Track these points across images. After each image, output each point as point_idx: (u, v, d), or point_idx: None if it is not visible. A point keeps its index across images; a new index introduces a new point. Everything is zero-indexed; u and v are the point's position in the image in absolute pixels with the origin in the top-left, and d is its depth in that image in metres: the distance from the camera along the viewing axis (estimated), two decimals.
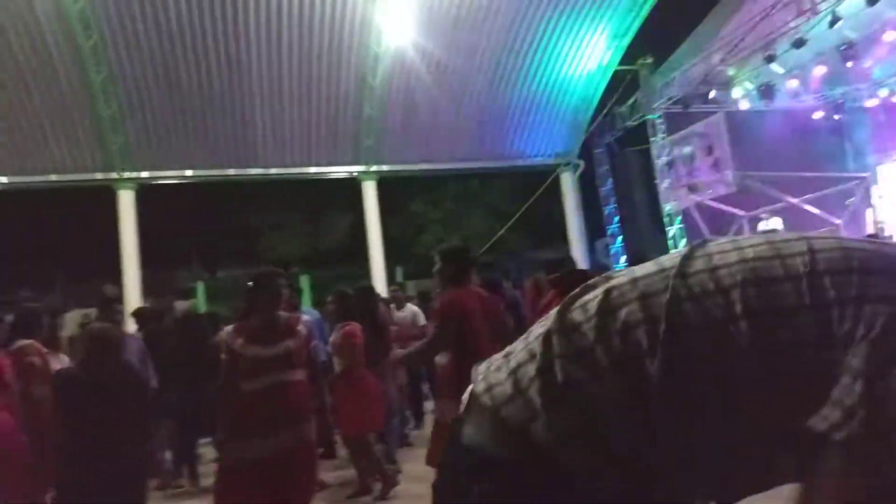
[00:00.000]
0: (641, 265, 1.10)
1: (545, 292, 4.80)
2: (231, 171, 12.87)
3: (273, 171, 13.09)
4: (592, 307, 1.04)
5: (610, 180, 15.19)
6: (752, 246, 1.02)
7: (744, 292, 0.96)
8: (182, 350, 5.71)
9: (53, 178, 12.02)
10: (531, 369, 1.02)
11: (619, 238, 15.13)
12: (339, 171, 13.56)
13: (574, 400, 0.97)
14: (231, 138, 12.33)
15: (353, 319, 5.04)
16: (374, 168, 13.42)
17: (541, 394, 0.99)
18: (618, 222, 15.27)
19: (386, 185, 14.33)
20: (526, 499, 0.99)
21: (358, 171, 13.44)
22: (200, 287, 16.19)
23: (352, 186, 14.08)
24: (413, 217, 20.14)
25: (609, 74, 13.48)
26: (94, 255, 17.03)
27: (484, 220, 19.64)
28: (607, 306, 1.02)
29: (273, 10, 10.91)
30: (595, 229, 15.42)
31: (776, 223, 11.50)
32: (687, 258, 1.04)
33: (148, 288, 14.29)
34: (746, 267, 0.98)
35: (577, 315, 1.04)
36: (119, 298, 13.50)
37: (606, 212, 15.21)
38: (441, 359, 3.51)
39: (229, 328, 3.60)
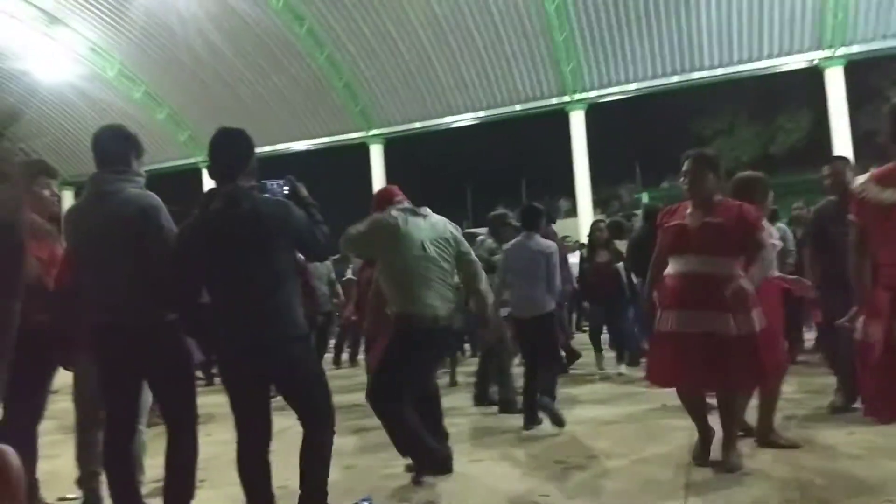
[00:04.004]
0: None
1: None
2: (675, 79, 12.68)
3: (719, 71, 12.37)
4: None
5: None
6: None
7: None
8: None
9: (518, 107, 13.88)
10: None
11: None
12: (796, 61, 11.97)
13: None
14: (675, 44, 12.11)
15: None
16: (840, 51, 11.33)
17: None
18: None
19: (857, 69, 11.97)
20: None
21: (819, 58, 11.59)
22: (645, 197, 16.64)
23: (811, 77, 12.29)
24: None
25: None
26: (550, 173, 19.27)
27: None
28: None
29: None
30: None
31: None
32: None
33: (595, 202, 15.51)
34: None
35: None
36: (573, 211, 15.05)
37: None
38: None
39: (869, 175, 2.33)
